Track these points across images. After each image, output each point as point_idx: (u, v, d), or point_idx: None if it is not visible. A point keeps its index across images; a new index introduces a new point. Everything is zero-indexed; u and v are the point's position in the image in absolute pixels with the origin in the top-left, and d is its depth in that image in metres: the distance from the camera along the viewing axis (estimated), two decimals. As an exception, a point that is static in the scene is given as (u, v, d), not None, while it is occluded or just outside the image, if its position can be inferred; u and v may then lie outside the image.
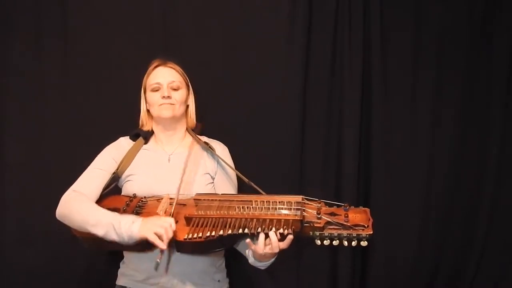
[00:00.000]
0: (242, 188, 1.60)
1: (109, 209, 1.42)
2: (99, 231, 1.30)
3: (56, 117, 1.89)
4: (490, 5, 1.94)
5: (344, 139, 1.91)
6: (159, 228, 1.25)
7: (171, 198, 1.42)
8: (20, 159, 1.87)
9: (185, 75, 1.60)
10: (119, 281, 1.51)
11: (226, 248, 1.41)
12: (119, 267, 1.54)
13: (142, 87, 1.59)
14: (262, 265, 1.38)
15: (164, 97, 1.50)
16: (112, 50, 1.89)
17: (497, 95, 1.95)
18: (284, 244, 1.28)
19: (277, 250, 1.28)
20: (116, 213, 1.33)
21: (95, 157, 1.54)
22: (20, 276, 1.87)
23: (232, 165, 1.59)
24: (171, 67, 1.57)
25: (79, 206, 1.38)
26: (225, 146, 1.64)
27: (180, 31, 1.91)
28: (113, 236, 1.29)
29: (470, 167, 1.97)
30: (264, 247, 1.27)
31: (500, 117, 1.95)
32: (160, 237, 1.24)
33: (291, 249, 1.30)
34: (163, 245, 1.24)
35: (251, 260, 1.40)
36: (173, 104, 1.52)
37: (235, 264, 1.63)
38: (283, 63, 1.91)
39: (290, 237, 1.27)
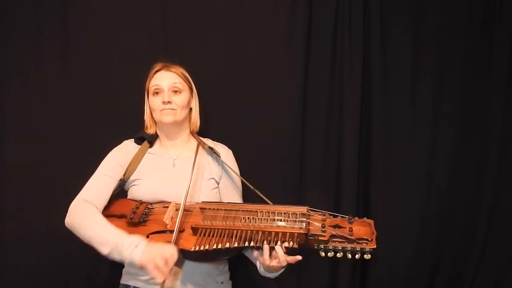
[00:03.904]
0: (247, 193, 1.60)
1: (115, 215, 1.43)
2: (103, 250, 1.31)
3: (56, 117, 1.89)
4: (490, 4, 1.94)
5: (344, 138, 1.91)
6: (159, 259, 1.24)
7: (177, 204, 1.43)
8: (20, 159, 1.87)
9: (188, 78, 1.59)
10: (123, 280, 1.51)
11: (232, 256, 1.42)
12: (123, 267, 1.54)
13: (145, 90, 1.59)
14: (272, 275, 1.39)
15: (164, 102, 1.49)
16: (112, 51, 1.89)
17: (497, 95, 1.95)
18: (291, 259, 1.29)
19: (284, 264, 1.29)
20: (122, 233, 1.32)
21: (94, 157, 1.54)
22: (20, 276, 1.86)
23: (237, 169, 1.60)
24: (172, 71, 1.55)
25: (88, 220, 1.37)
26: (229, 150, 1.64)
27: (180, 32, 1.91)
28: (116, 257, 1.30)
29: (470, 167, 1.97)
30: (270, 260, 1.29)
31: (500, 117, 1.95)
32: (160, 269, 1.24)
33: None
34: (160, 279, 1.24)
35: (261, 270, 1.41)
36: (174, 109, 1.51)
37: (239, 267, 1.63)
38: (283, 64, 1.91)
39: (299, 258, 1.28)
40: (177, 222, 1.32)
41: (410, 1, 1.94)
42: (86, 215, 1.39)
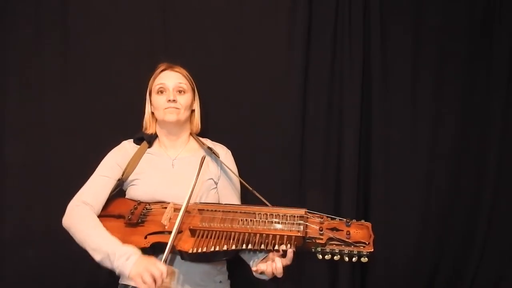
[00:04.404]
0: (246, 193, 1.60)
1: (113, 215, 1.43)
2: (96, 256, 1.32)
3: (56, 117, 1.89)
4: (490, 4, 1.94)
5: (344, 138, 1.91)
6: (148, 276, 1.24)
7: (175, 205, 1.43)
8: (20, 159, 1.87)
9: (192, 80, 1.60)
10: (122, 280, 1.50)
11: (229, 258, 1.42)
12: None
13: (148, 89, 1.59)
14: (266, 277, 1.39)
15: (169, 100, 1.50)
16: (112, 51, 1.89)
17: (497, 95, 1.95)
18: (287, 260, 1.28)
19: (280, 276, 1.29)
20: (116, 241, 1.32)
21: (94, 157, 1.54)
22: (20, 276, 1.87)
23: (236, 170, 1.60)
24: (177, 71, 1.57)
25: (84, 224, 1.38)
26: (228, 150, 1.64)
27: (180, 32, 1.91)
28: (107, 265, 1.30)
29: (470, 167, 1.97)
30: (269, 267, 1.29)
31: (500, 117, 1.95)
32: (147, 285, 1.23)
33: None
34: None
35: (256, 273, 1.40)
36: (178, 109, 1.51)
37: (237, 266, 1.63)
38: (283, 64, 1.91)
39: (291, 251, 1.27)
40: (176, 224, 1.32)
41: (410, 1, 1.94)
42: (82, 219, 1.39)
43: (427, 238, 1.96)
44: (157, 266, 1.26)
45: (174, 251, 1.34)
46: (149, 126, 1.60)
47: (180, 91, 1.54)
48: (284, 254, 1.28)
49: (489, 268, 1.96)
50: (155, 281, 1.24)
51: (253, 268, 1.37)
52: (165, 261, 1.28)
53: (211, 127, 1.81)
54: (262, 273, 1.34)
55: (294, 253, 1.27)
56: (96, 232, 1.35)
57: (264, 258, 1.36)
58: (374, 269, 1.95)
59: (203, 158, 1.44)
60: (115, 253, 1.28)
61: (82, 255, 1.78)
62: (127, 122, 1.76)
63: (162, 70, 1.57)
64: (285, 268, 1.30)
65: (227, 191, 1.57)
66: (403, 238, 1.95)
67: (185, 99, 1.54)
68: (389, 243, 1.91)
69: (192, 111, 1.61)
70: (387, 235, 1.90)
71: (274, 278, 1.42)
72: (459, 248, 1.98)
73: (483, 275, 1.96)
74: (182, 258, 1.34)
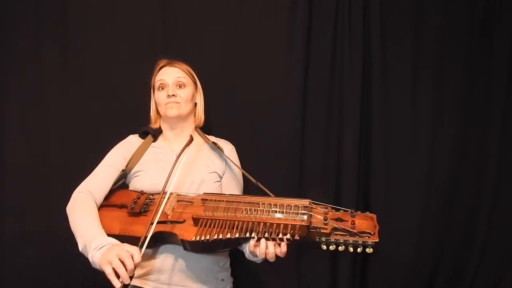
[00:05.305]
0: (249, 188, 1.60)
1: (116, 205, 1.45)
2: (79, 246, 1.31)
3: (56, 117, 1.89)
4: (490, 4, 1.94)
5: (344, 139, 1.91)
6: (115, 260, 1.17)
7: (178, 195, 1.43)
8: (20, 159, 1.87)
9: (192, 74, 1.62)
10: None
11: (231, 248, 1.42)
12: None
13: (151, 86, 1.61)
14: (258, 260, 1.38)
15: (169, 95, 1.53)
16: (112, 50, 1.89)
17: (497, 95, 1.95)
18: (280, 253, 1.27)
19: (272, 260, 1.28)
20: (99, 233, 1.30)
21: (94, 157, 1.55)
22: (20, 276, 1.86)
23: (239, 165, 1.60)
24: (176, 66, 1.59)
25: (80, 212, 1.38)
26: (233, 147, 1.66)
27: (180, 32, 1.91)
28: (86, 255, 1.28)
29: (470, 167, 1.97)
30: (265, 252, 1.27)
31: (500, 117, 1.95)
32: (117, 269, 1.16)
33: (292, 249, 1.30)
34: (117, 283, 1.15)
35: (247, 254, 1.40)
36: (178, 103, 1.54)
37: (240, 264, 1.63)
38: (283, 64, 1.91)
39: (285, 245, 1.26)
40: (163, 204, 1.32)
41: (410, 1, 1.94)
42: (80, 208, 1.39)
43: (427, 238, 1.96)
44: (126, 248, 1.20)
45: (176, 242, 1.34)
46: (154, 122, 1.63)
47: (179, 86, 1.56)
48: (289, 244, 1.26)
49: (489, 268, 1.96)
50: (125, 266, 1.16)
51: (247, 249, 1.34)
52: (141, 246, 1.23)
53: (211, 127, 1.81)
54: (255, 255, 1.33)
55: (298, 243, 1.27)
56: (85, 221, 1.35)
57: None
58: (374, 269, 1.95)
59: (190, 139, 1.43)
60: (91, 244, 1.25)
61: (81, 255, 1.79)
62: (127, 122, 1.76)
63: (162, 67, 1.59)
64: (279, 259, 1.29)
65: (231, 186, 1.58)
66: (403, 238, 1.95)
67: (185, 93, 1.56)
68: (389, 243, 1.91)
69: (195, 104, 1.63)
70: (387, 235, 1.89)
71: (273, 270, 1.40)
72: (459, 248, 1.98)
73: (483, 275, 1.96)
74: (185, 248, 1.33)
